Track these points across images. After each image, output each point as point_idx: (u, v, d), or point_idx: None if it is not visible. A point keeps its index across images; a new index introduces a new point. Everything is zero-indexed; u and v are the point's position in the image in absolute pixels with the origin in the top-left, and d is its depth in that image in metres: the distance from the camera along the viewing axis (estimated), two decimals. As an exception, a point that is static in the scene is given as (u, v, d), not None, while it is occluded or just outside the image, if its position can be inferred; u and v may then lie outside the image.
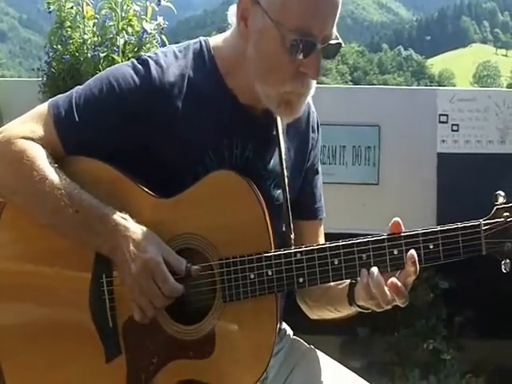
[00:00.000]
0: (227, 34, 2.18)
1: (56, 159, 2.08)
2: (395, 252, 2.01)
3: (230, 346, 2.07)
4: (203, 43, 2.19)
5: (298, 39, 1.98)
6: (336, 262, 2.03)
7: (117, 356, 2.08)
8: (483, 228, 1.99)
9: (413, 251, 1.98)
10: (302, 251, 2.04)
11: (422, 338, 4.56)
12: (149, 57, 2.14)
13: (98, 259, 2.07)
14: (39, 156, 2.05)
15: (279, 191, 2.24)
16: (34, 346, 2.12)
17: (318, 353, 2.41)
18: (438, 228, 2.02)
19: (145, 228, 2.03)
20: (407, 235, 2.02)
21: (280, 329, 2.36)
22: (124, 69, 2.13)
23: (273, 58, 2.03)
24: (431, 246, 2.01)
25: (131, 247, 2.00)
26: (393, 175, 4.61)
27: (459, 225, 2.00)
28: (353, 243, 2.02)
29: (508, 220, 2.00)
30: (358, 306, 2.13)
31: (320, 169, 2.40)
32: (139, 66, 2.11)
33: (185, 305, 2.06)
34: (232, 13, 2.11)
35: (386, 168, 4.61)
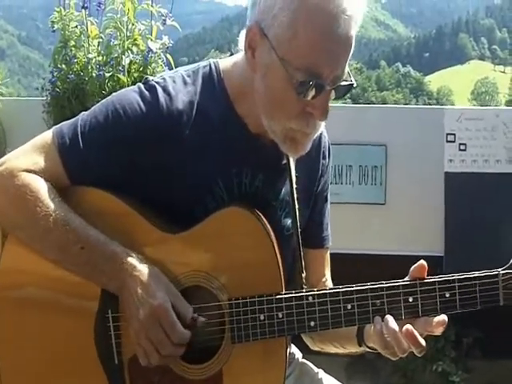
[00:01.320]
0: (238, 57, 2.10)
1: (61, 189, 2.04)
2: (410, 299, 1.97)
3: None
4: (213, 66, 2.12)
5: (306, 80, 1.90)
6: (349, 307, 1.98)
7: None
8: (501, 278, 1.95)
9: (445, 317, 1.93)
10: (314, 295, 2.00)
11: (430, 360, 4.52)
12: (156, 83, 2.07)
13: (105, 294, 2.02)
14: (43, 190, 2.01)
15: (289, 221, 2.19)
16: (38, 382, 2.07)
17: (327, 377, 2.38)
18: (455, 276, 1.97)
19: (152, 268, 1.98)
20: (423, 283, 1.97)
21: (289, 353, 2.32)
22: (130, 95, 2.06)
23: (279, 94, 1.96)
24: (447, 295, 1.96)
25: (139, 290, 1.95)
26: (400, 195, 4.58)
27: (477, 274, 1.96)
28: (367, 288, 1.98)
29: (527, 270, 1.95)
30: (368, 347, 2.09)
31: (329, 196, 2.35)
32: (146, 93, 2.05)
33: (193, 343, 2.00)
34: (242, 37, 2.04)
35: (393, 188, 4.58)
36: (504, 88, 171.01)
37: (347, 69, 1.96)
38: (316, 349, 2.33)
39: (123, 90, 2.17)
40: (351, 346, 2.16)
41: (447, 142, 4.55)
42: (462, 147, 4.54)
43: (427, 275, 1.98)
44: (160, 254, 2.03)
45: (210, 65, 2.14)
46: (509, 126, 4.52)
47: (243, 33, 2.03)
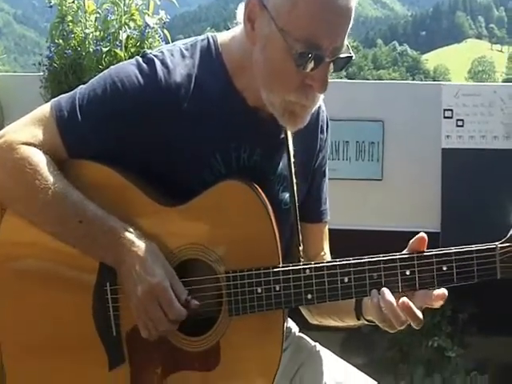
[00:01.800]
0: (236, 31, 2.09)
1: (59, 162, 2.04)
2: (407, 272, 1.98)
3: (236, 359, 2.04)
4: (211, 40, 2.11)
5: (305, 51, 1.89)
6: (346, 280, 1.99)
7: (120, 364, 2.05)
8: (499, 252, 1.96)
9: (445, 291, 1.94)
10: (311, 267, 2.00)
11: (425, 335, 4.54)
12: (155, 56, 2.06)
13: (103, 267, 2.03)
14: (42, 163, 2.01)
15: (287, 195, 2.19)
16: (37, 354, 2.08)
17: (324, 350, 2.39)
18: (453, 250, 1.97)
19: (150, 244, 1.99)
20: (421, 256, 1.97)
21: (286, 327, 2.33)
22: (129, 68, 2.06)
23: (278, 66, 1.95)
24: (445, 268, 1.97)
25: (137, 267, 1.96)
26: (397, 171, 4.58)
27: (474, 247, 1.97)
28: (364, 262, 1.99)
29: (524, 244, 1.96)
30: (366, 320, 2.10)
31: (327, 171, 2.35)
32: (144, 66, 2.04)
33: (190, 316, 2.01)
34: (241, 10, 2.02)
35: (390, 164, 4.57)
36: (501, 67, 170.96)
37: (346, 41, 1.95)
38: (314, 322, 2.34)
39: (121, 63, 2.16)
40: (350, 319, 2.17)
41: (444, 117, 4.54)
42: (460, 123, 4.53)
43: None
44: (157, 226, 2.03)
45: (207, 38, 2.12)
46: (506, 102, 4.51)
47: (242, 6, 2.01)
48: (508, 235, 1.97)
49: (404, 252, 2.00)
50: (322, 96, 2.02)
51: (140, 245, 1.98)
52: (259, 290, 2.00)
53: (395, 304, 1.94)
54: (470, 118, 4.53)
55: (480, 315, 4.57)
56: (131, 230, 1.99)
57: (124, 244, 1.98)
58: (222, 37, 2.13)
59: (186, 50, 2.10)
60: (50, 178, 1.99)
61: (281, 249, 2.03)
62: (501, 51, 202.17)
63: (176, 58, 2.07)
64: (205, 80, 2.07)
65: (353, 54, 1.97)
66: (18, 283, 2.08)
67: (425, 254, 1.98)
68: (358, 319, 2.13)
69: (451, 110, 4.52)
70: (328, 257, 2.35)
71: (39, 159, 2.01)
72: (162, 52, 2.09)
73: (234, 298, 2.01)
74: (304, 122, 2.05)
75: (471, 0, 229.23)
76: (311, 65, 1.91)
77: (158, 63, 2.05)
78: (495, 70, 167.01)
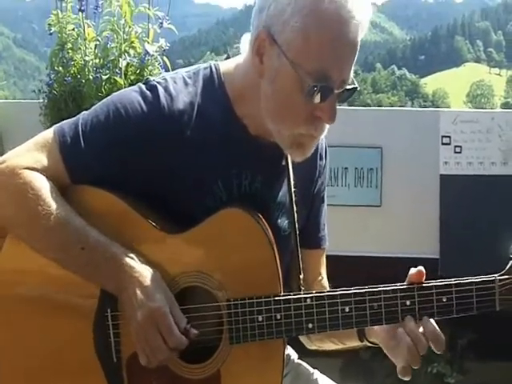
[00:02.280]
0: (239, 60, 2.12)
1: (61, 187, 2.05)
2: (408, 303, 1.99)
3: None
4: (213, 69, 2.13)
5: (316, 84, 1.93)
6: (347, 310, 2.00)
7: None
8: (498, 284, 1.98)
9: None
10: (312, 297, 2.01)
11: (425, 362, 4.52)
12: (158, 83, 2.08)
13: (104, 293, 2.04)
14: (44, 189, 2.01)
15: (286, 221, 2.21)
16: (36, 379, 2.08)
17: (323, 377, 2.40)
18: (453, 281, 1.99)
19: (152, 270, 2.00)
20: (421, 287, 1.99)
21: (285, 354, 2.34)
22: (132, 95, 2.07)
23: (288, 98, 1.98)
24: (444, 300, 1.99)
25: (138, 292, 1.96)
26: (395, 197, 4.59)
27: (474, 279, 1.99)
28: (365, 292, 2.00)
29: (524, 276, 1.96)
30: (370, 342, 2.11)
31: (325, 197, 2.37)
32: (147, 93, 2.06)
33: (191, 343, 2.01)
34: (245, 41, 2.06)
35: (389, 190, 4.58)
36: (499, 90, 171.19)
37: (352, 73, 1.99)
38: (313, 347, 2.34)
39: (124, 90, 2.17)
40: (351, 342, 2.19)
41: (442, 144, 4.55)
42: (458, 150, 4.55)
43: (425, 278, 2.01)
44: (159, 253, 2.04)
45: (210, 67, 2.15)
46: (504, 129, 4.53)
47: (246, 38, 2.05)
48: (507, 267, 1.99)
49: (404, 283, 2.01)
50: (327, 127, 2.05)
51: (142, 271, 1.98)
52: (260, 319, 2.01)
53: (417, 330, 1.97)
54: (467, 145, 4.54)
55: (478, 341, 4.56)
56: (133, 256, 2.00)
57: (126, 271, 1.98)
58: (225, 66, 2.15)
59: (189, 77, 2.12)
60: (53, 204, 2.00)
61: (282, 276, 2.04)
62: (499, 75, 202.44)
63: (179, 86, 2.09)
64: (207, 108, 2.08)
65: (357, 86, 2.01)
66: (18, 308, 2.08)
67: (425, 285, 1.99)
68: (361, 341, 2.14)
69: (449, 137, 4.54)
70: (325, 281, 2.37)
71: (42, 185, 2.02)
72: (164, 79, 2.11)
73: (234, 326, 2.02)
74: (311, 152, 2.09)
75: (470, 24, 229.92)
76: (321, 96, 1.95)
77: (161, 90, 2.06)
78: (494, 94, 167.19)
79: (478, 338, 4.56)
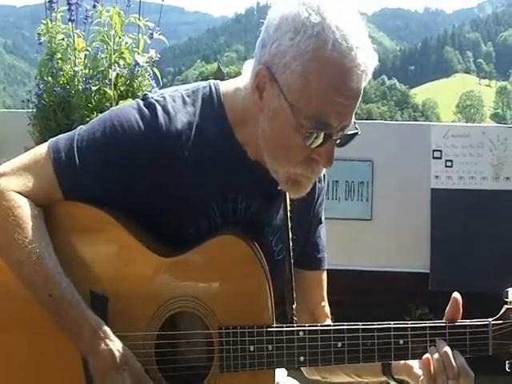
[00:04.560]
0: (239, 84, 2.07)
1: (55, 203, 2.01)
2: (401, 342, 1.98)
3: None
4: (213, 88, 2.09)
5: (315, 130, 1.89)
6: (339, 345, 1.98)
7: None
8: (492, 328, 1.97)
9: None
10: (305, 330, 1.99)
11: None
12: (156, 101, 2.04)
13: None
14: (25, 217, 1.96)
15: (280, 245, 2.18)
16: None
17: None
18: (447, 323, 1.99)
19: (119, 342, 1.93)
20: (414, 327, 1.99)
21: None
22: (129, 111, 2.03)
23: (285, 139, 1.94)
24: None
25: (109, 361, 1.91)
26: (386, 211, 4.59)
27: (467, 322, 1.98)
28: (358, 328, 1.98)
29: (517, 321, 1.97)
30: (394, 380, 2.10)
31: (323, 218, 2.33)
32: (145, 110, 2.02)
33: (181, 369, 1.99)
34: (247, 67, 2.02)
35: (379, 204, 4.59)
36: (489, 101, 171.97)
37: (353, 118, 1.95)
38: (314, 377, 2.32)
39: (122, 106, 2.14)
40: (371, 376, 2.17)
41: (433, 158, 4.56)
42: (449, 164, 4.55)
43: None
44: (150, 276, 2.01)
45: (210, 86, 2.11)
46: (495, 143, 4.53)
47: (249, 64, 2.02)
48: (501, 312, 1.98)
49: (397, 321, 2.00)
50: (324, 169, 2.02)
51: (112, 341, 1.93)
52: (251, 348, 1.98)
53: (452, 354, 1.94)
54: (459, 159, 4.55)
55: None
56: (101, 326, 1.94)
57: (94, 338, 1.93)
58: (225, 86, 2.11)
59: (188, 96, 2.08)
60: (29, 235, 1.95)
61: (274, 302, 2.01)
62: (489, 86, 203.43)
63: (177, 105, 2.05)
64: (206, 129, 2.05)
65: (359, 131, 1.97)
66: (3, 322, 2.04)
67: (418, 325, 1.99)
68: (385, 374, 2.12)
69: (440, 151, 4.54)
70: (327, 308, 2.33)
71: (25, 212, 1.97)
72: (163, 97, 2.06)
73: (225, 354, 1.99)
74: (307, 191, 2.05)
75: (460, 35, 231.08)
76: (319, 141, 1.91)
77: (159, 109, 2.02)
78: (483, 105, 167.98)
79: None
